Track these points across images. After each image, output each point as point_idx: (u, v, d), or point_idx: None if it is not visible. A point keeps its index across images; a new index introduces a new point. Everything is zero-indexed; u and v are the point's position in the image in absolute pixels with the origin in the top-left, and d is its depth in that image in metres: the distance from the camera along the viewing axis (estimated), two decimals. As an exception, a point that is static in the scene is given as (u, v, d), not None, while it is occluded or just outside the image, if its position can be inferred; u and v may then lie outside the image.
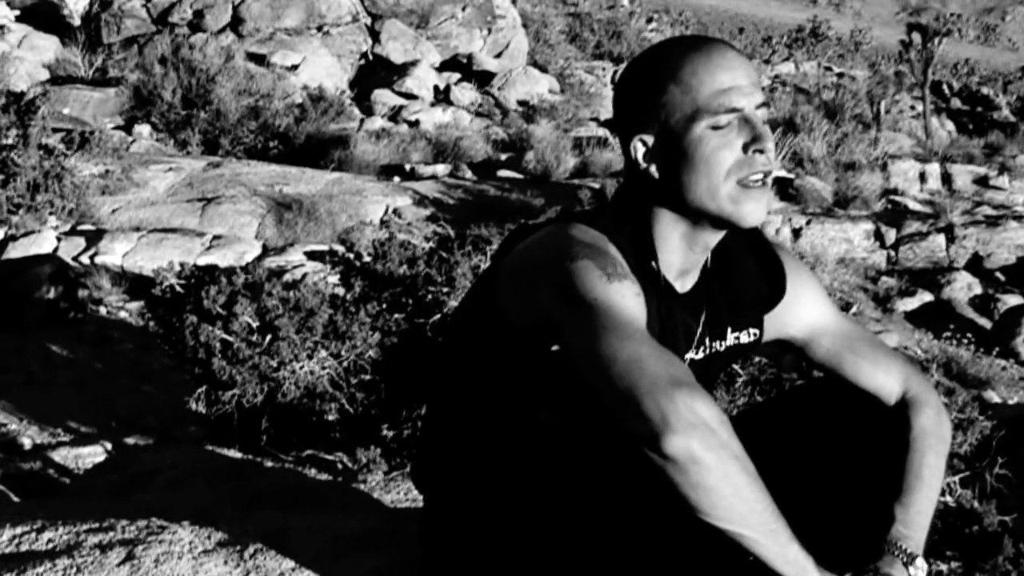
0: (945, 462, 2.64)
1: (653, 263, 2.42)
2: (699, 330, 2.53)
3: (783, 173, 17.07)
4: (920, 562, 2.46)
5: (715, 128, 2.34)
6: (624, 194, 2.48)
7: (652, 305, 2.34)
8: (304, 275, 8.39)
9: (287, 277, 6.25)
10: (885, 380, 2.66)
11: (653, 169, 2.40)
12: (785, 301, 2.61)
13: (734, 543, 2.15)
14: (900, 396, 2.66)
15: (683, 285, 2.50)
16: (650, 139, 2.39)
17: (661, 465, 2.07)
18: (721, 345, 2.60)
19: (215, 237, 12.29)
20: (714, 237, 2.46)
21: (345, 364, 5.59)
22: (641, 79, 2.42)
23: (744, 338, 2.64)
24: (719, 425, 2.09)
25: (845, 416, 2.59)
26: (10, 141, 12.13)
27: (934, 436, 2.61)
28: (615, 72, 27.17)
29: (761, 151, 2.36)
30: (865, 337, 2.73)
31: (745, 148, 2.35)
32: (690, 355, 2.53)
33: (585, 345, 2.20)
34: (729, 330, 2.60)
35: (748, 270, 2.59)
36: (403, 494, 3.79)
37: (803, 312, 2.67)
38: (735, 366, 5.68)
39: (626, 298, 2.25)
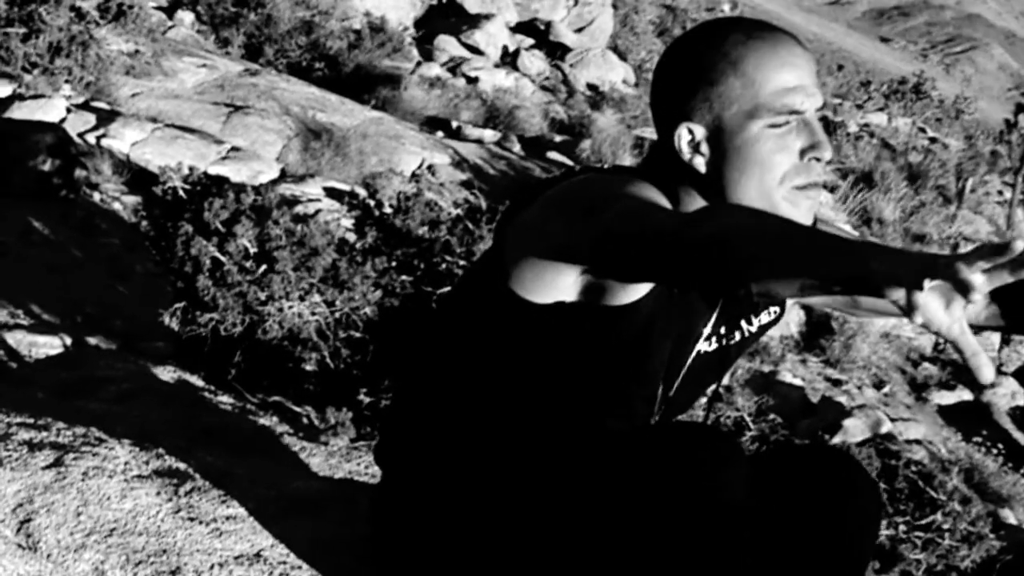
0: None
1: None
2: (712, 321, 2.53)
3: (848, 228, 17.02)
4: None
5: (773, 126, 2.32)
6: (653, 175, 2.46)
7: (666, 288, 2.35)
8: (317, 211, 8.36)
9: (299, 209, 6.24)
10: None
11: (698, 161, 2.38)
12: None
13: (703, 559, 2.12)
14: None
15: None
16: (699, 129, 2.37)
17: (702, 249, 2.01)
18: (737, 335, 2.61)
19: (233, 148, 12.27)
20: None
21: (337, 315, 5.58)
22: (697, 62, 2.40)
23: (765, 317, 2.68)
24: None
25: (825, 489, 2.57)
26: (43, -6, 12.12)
27: None
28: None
29: (819, 159, 2.35)
30: None
31: (802, 154, 2.34)
32: (702, 347, 2.53)
33: (607, 222, 2.20)
34: (744, 323, 2.61)
35: None
36: (363, 466, 3.78)
37: None
38: (746, 416, 5.68)
39: (652, 192, 2.32)
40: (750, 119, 2.33)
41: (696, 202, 2.41)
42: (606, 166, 2.58)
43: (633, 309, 2.35)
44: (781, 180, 2.33)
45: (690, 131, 2.38)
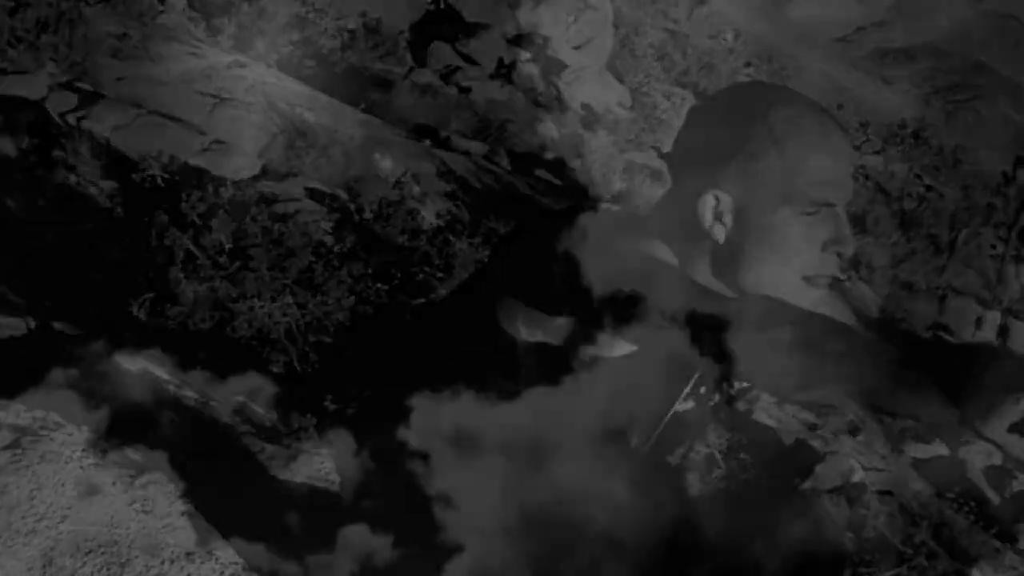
0: None
1: None
2: (692, 382, 2.54)
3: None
4: None
5: (803, 214, 2.29)
6: (665, 228, 2.45)
7: None
8: (297, 211, 8.37)
9: (278, 207, 6.24)
10: None
11: (718, 230, 2.35)
12: None
13: None
14: None
15: None
16: (727, 199, 2.33)
17: None
18: (717, 396, 2.63)
19: (216, 141, 12.25)
20: None
21: (308, 319, 5.58)
22: (738, 129, 2.35)
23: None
24: None
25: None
26: (33, -32, 12.11)
27: None
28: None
29: (840, 254, 2.33)
30: None
31: (824, 245, 2.31)
32: (679, 407, 2.55)
33: None
34: (724, 384, 2.63)
35: None
36: (324, 472, 3.79)
37: None
38: (716, 454, 5.69)
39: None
40: (783, 203, 2.30)
41: (703, 266, 2.39)
42: (613, 209, 2.49)
43: (620, 360, 2.36)
44: (799, 269, 2.32)
45: (716, 199, 2.34)
